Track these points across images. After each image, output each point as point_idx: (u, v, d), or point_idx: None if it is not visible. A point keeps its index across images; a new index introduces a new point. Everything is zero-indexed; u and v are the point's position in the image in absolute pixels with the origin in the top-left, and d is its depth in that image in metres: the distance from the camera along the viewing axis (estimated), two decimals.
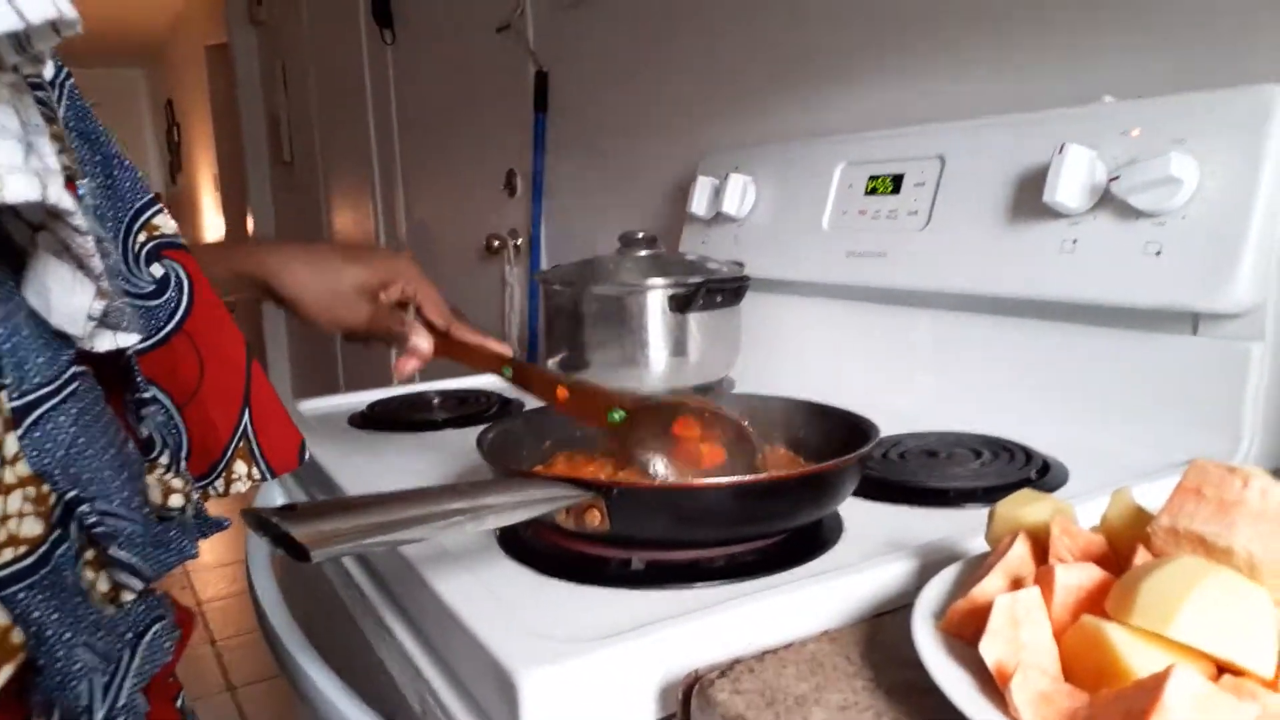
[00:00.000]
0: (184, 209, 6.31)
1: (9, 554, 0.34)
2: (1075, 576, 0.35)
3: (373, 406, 1.00)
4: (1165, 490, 0.57)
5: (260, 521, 0.36)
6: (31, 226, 0.35)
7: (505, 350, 0.75)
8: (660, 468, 0.61)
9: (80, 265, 0.35)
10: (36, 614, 0.35)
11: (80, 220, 0.33)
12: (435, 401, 1.02)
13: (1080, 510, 0.44)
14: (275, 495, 0.88)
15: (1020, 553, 0.39)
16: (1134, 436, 0.69)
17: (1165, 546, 0.34)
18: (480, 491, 0.43)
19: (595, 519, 0.48)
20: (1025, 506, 0.42)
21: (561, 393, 0.67)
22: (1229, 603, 0.31)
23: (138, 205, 0.44)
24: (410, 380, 0.76)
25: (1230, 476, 0.34)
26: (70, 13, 0.32)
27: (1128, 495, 0.39)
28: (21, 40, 0.32)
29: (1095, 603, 0.34)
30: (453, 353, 0.76)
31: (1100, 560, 0.37)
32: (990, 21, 0.91)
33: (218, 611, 2.67)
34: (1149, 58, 0.77)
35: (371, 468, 0.79)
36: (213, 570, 2.92)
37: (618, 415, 0.64)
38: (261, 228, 3.96)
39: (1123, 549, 0.37)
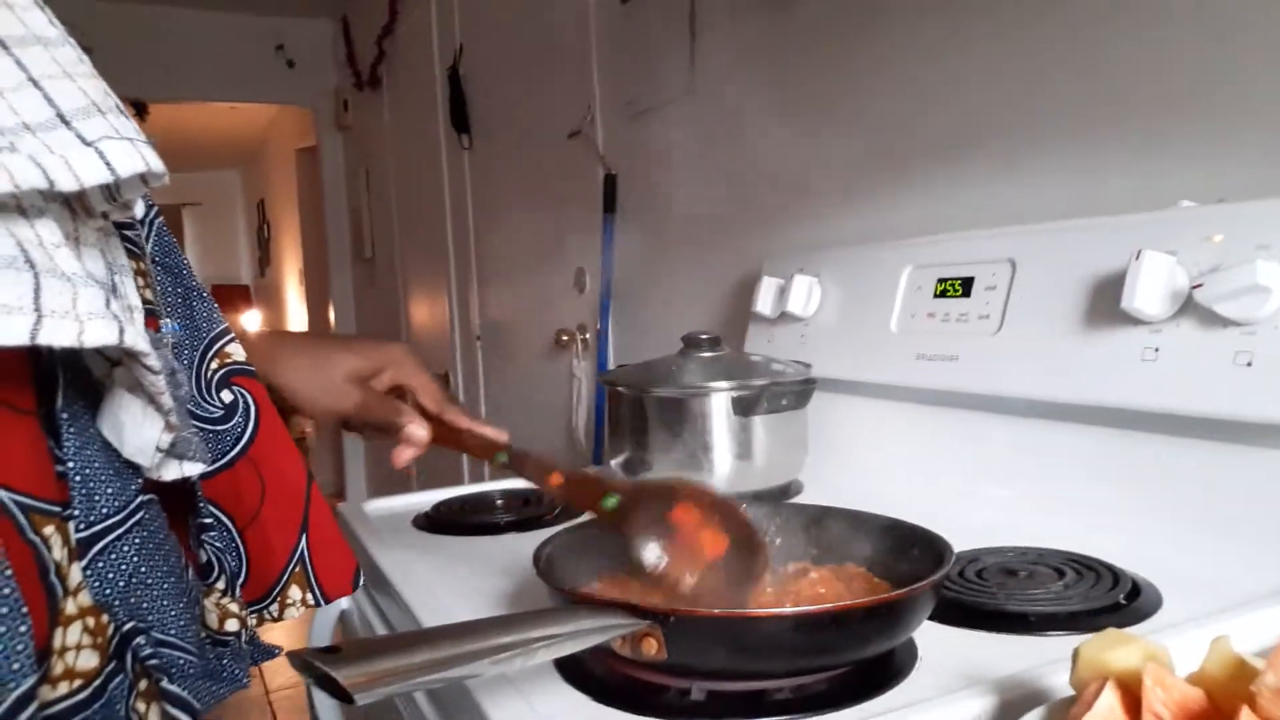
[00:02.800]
0: (271, 300, 6.60)
1: (64, 688, 0.34)
2: None
3: (437, 507, 1.01)
4: (1267, 625, 0.53)
5: (304, 663, 0.36)
6: (110, 361, 0.37)
7: (500, 436, 0.74)
8: (654, 556, 0.58)
9: (151, 400, 0.36)
10: None
11: (153, 361, 0.35)
12: (499, 503, 1.02)
13: (1175, 646, 0.41)
14: (340, 600, 0.88)
15: (1109, 703, 0.36)
16: (1230, 558, 0.65)
17: (1273, 709, 0.31)
18: (531, 624, 0.42)
19: (652, 648, 0.46)
20: (1113, 650, 0.38)
21: (556, 479, 0.66)
22: None
23: (213, 334, 0.46)
24: (407, 468, 0.76)
25: None
26: (157, 166, 0.34)
27: (1228, 645, 0.36)
28: (112, 190, 0.34)
29: None
30: (448, 440, 0.75)
31: (1199, 719, 0.34)
32: (1062, 124, 0.90)
33: (286, 700, 2.67)
34: (1228, 162, 0.75)
35: (430, 574, 0.78)
36: (281, 658, 2.93)
37: (612, 501, 0.61)
38: (342, 320, 4.11)
39: (1224, 706, 0.34)
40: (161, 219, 0.44)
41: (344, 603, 0.88)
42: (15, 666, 0.31)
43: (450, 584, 0.75)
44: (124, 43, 3.23)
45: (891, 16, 1.09)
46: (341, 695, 0.34)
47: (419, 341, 3.19)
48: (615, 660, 0.52)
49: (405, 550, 0.86)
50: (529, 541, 0.68)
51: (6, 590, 0.31)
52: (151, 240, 0.43)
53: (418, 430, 0.73)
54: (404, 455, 0.75)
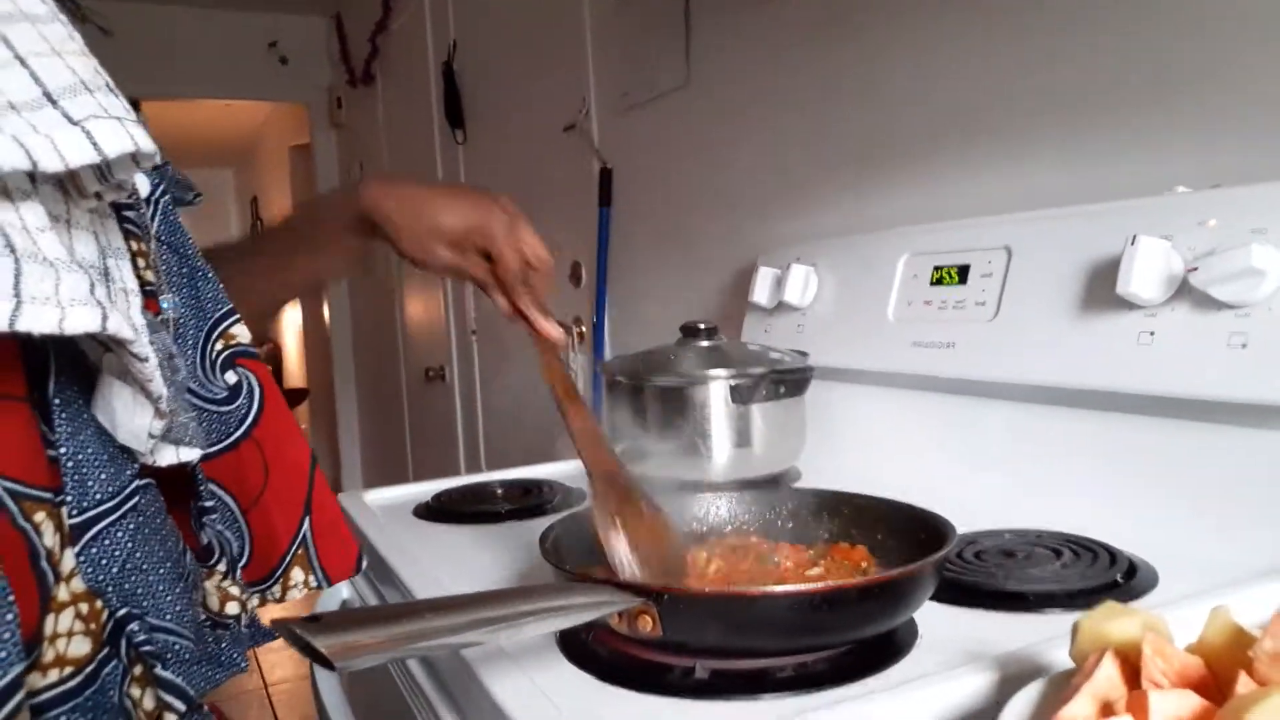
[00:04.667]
0: None
1: (54, 675, 0.34)
2: (1172, 705, 0.32)
3: (437, 497, 1.01)
4: (1262, 600, 0.54)
5: (288, 632, 0.36)
6: (104, 346, 0.37)
7: (556, 336, 0.74)
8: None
9: (141, 387, 0.36)
10: None
11: (139, 348, 0.35)
12: (499, 492, 1.02)
13: (1173, 620, 0.41)
14: (341, 586, 0.88)
15: (1109, 673, 0.36)
16: (1226, 537, 0.65)
17: (1270, 673, 0.32)
18: (520, 598, 0.43)
19: (648, 624, 0.47)
20: (1113, 621, 0.39)
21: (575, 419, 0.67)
22: None
23: (217, 315, 0.46)
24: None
25: None
26: (147, 145, 0.33)
27: (1226, 615, 0.36)
28: (103, 170, 0.34)
29: None
30: (518, 316, 0.75)
31: (1198, 686, 0.34)
32: (1057, 111, 0.90)
33: (284, 694, 2.68)
34: (1222, 147, 0.76)
35: (432, 561, 0.79)
36: (280, 652, 2.93)
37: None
38: (336, 315, 4.10)
39: (1222, 673, 0.35)
40: (168, 198, 0.44)
41: (345, 591, 0.88)
42: (1, 655, 0.31)
43: (453, 571, 0.75)
44: (116, 39, 3.22)
45: (887, 6, 1.10)
46: (324, 662, 0.35)
47: (414, 338, 3.18)
48: (618, 640, 0.53)
49: (407, 539, 0.86)
50: (530, 529, 0.68)
51: None
52: (157, 219, 0.43)
53: (501, 301, 0.74)
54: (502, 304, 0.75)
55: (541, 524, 0.63)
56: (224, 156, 6.71)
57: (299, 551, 0.48)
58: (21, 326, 0.30)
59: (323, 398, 4.26)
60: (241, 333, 0.47)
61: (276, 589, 0.47)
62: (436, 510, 0.96)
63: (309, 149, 4.08)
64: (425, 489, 1.05)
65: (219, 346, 0.46)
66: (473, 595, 0.42)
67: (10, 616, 0.31)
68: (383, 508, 1.00)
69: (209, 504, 0.44)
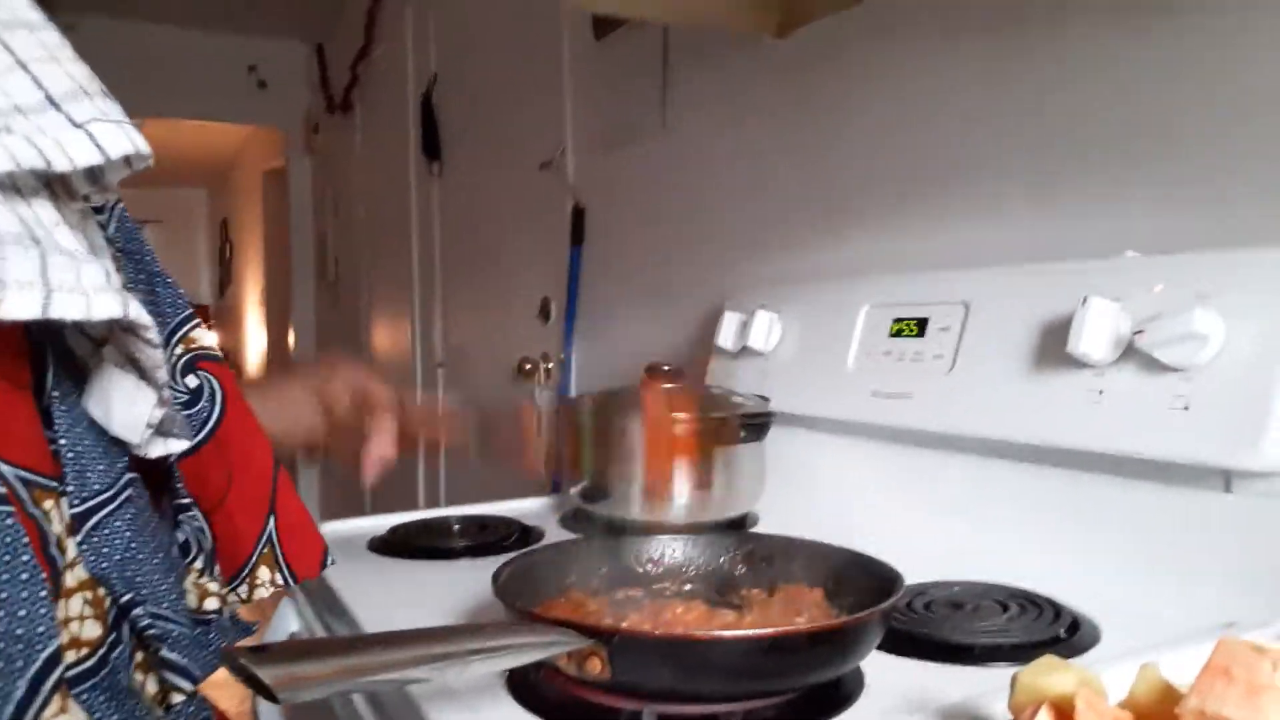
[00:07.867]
0: (230, 321, 6.51)
1: (72, 655, 0.35)
2: None
3: (393, 530, 1.00)
4: (1197, 658, 0.55)
5: (233, 662, 0.36)
6: (94, 341, 0.37)
7: (458, 418, 0.77)
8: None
9: (143, 375, 0.37)
10: (98, 716, 0.35)
11: (153, 334, 0.35)
12: (455, 528, 1.01)
13: (1110, 676, 0.42)
14: (290, 618, 0.87)
15: None
16: (1168, 595, 0.67)
17: None
18: (470, 635, 0.43)
19: (596, 667, 0.47)
20: (1049, 676, 0.40)
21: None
22: None
23: (178, 319, 0.46)
24: (377, 482, 0.76)
25: (1259, 658, 0.32)
26: (145, 148, 0.35)
27: (1155, 671, 0.37)
28: (96, 172, 0.35)
29: None
30: (408, 440, 0.76)
31: None
32: (1016, 173, 0.93)
33: None
34: (1172, 214, 0.79)
35: (386, 596, 0.78)
36: (222, 689, 2.85)
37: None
38: (302, 342, 4.06)
39: None
40: (122, 205, 0.44)
41: (293, 624, 0.87)
42: (41, 629, 0.32)
43: (405, 607, 0.75)
44: (94, 57, 3.20)
45: (855, 65, 1.13)
46: (267, 694, 0.35)
47: (380, 367, 3.16)
48: (567, 682, 0.52)
49: (360, 573, 0.85)
50: (485, 567, 0.68)
51: (25, 557, 0.32)
52: (112, 225, 0.43)
53: (385, 445, 0.74)
54: (373, 469, 0.75)
55: (497, 561, 0.63)
56: (197, 176, 6.66)
57: (265, 551, 0.48)
58: (54, 313, 0.31)
59: None
60: (203, 336, 0.47)
61: (243, 589, 0.47)
62: (391, 544, 0.95)
63: (284, 174, 4.08)
64: (381, 522, 1.04)
65: (179, 350, 0.46)
66: (421, 631, 0.42)
67: (44, 594, 0.32)
68: (337, 540, 0.99)
69: (185, 501, 0.44)
